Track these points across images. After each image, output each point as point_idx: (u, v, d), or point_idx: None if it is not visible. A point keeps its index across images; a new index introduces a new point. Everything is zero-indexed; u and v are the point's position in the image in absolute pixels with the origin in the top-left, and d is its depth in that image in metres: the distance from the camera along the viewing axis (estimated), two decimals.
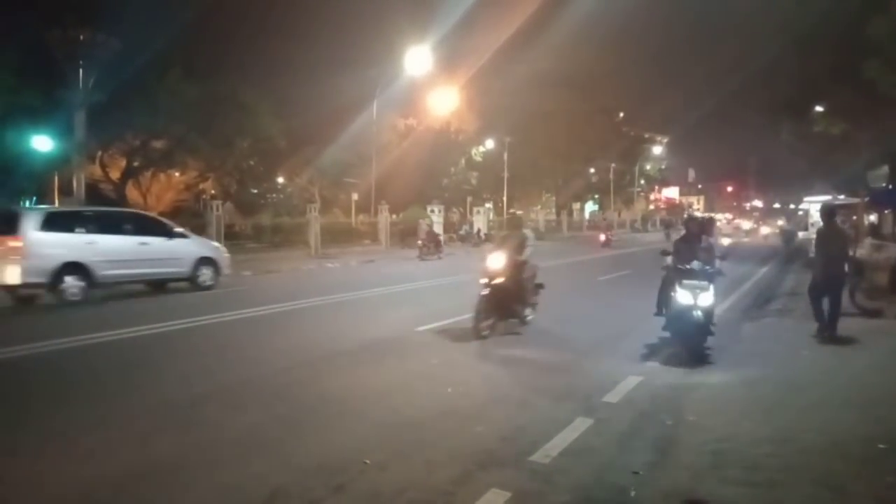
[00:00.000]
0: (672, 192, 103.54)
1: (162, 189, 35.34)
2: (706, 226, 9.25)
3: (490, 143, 49.68)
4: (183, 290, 13.80)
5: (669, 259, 8.03)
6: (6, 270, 11.41)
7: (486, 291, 8.44)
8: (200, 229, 20.13)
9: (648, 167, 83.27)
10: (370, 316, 10.98)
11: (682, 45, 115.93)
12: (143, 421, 5.19)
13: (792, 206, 57.45)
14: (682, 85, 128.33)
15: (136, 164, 29.74)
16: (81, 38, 20.84)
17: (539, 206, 61.08)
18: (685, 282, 7.30)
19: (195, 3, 26.00)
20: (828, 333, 8.42)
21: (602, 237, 33.48)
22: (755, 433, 4.79)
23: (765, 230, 46.00)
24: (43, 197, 24.61)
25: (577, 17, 43.66)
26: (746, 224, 53.83)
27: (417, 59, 33.83)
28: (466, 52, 39.98)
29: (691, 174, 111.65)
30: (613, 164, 66.06)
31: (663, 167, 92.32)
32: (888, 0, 17.83)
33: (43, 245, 11.66)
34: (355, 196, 40.96)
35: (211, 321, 10.10)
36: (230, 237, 24.83)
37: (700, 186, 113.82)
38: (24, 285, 11.58)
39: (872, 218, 20.29)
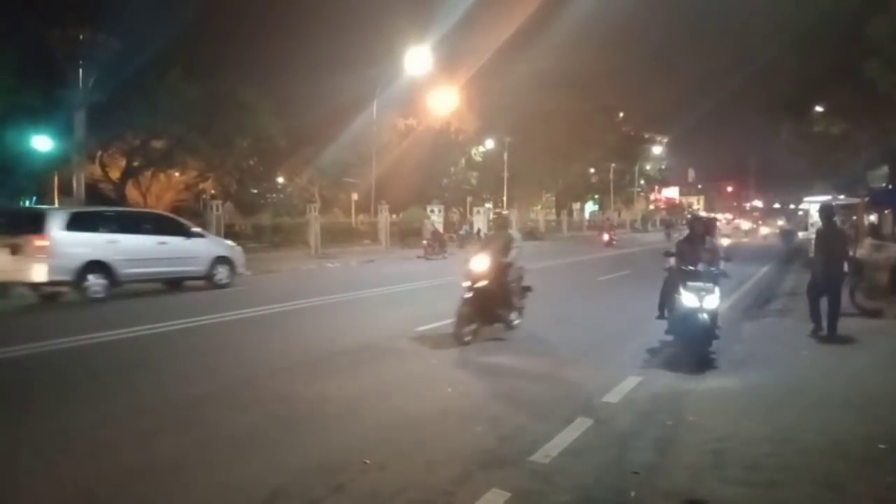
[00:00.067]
0: (672, 192, 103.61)
1: (162, 189, 35.32)
2: (710, 226, 8.99)
3: (490, 143, 49.70)
4: (196, 289, 14.05)
5: (672, 260, 7.85)
6: (33, 268, 11.71)
7: (468, 295, 8.08)
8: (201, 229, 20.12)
9: (648, 167, 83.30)
10: (370, 316, 10.98)
11: (682, 45, 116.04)
12: (145, 420, 5.19)
13: (792, 206, 57.45)
14: (682, 84, 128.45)
15: (135, 163, 29.73)
16: (81, 37, 20.83)
17: (539, 206, 61.09)
18: (690, 284, 7.09)
19: (195, 2, 26.00)
20: (827, 333, 8.43)
21: (606, 237, 33.80)
22: (755, 433, 4.79)
23: (764, 230, 46.00)
24: (43, 197, 24.62)
25: (577, 16, 43.68)
26: (746, 224, 53.79)
27: (417, 58, 33.83)
28: (466, 51, 40.02)
29: (691, 174, 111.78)
30: (613, 164, 66.07)
31: (663, 167, 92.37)
32: (888, 0, 17.84)
33: (68, 244, 11.97)
34: (355, 196, 40.97)
35: (211, 321, 10.09)
36: (230, 237, 24.65)
37: (700, 186, 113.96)
38: (49, 283, 11.89)
39: (872, 218, 20.30)
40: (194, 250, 14.11)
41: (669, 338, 7.68)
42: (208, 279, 14.22)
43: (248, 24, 41.52)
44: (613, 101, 61.28)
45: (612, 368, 6.88)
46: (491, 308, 8.33)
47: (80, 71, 21.12)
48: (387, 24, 41.68)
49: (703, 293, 6.99)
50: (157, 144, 29.33)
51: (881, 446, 4.47)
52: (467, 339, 8.00)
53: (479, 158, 50.66)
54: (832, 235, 8.72)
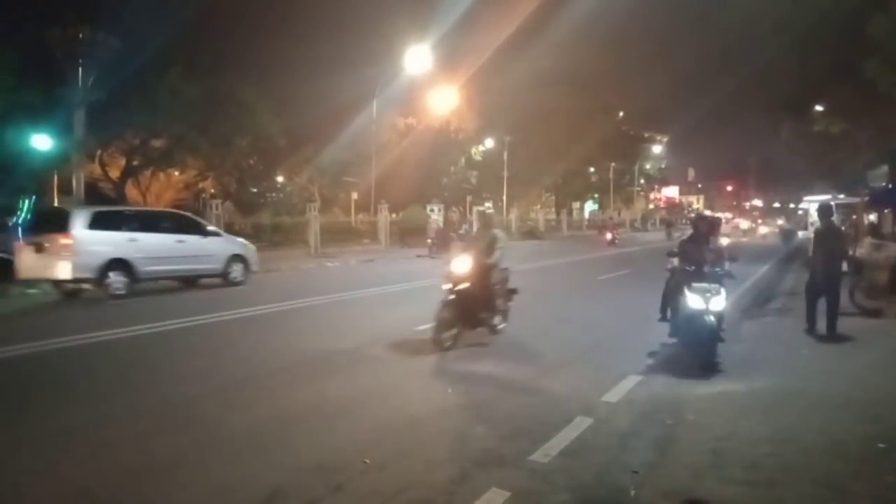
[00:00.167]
0: (672, 192, 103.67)
1: (161, 188, 35.34)
2: (715, 225, 8.59)
3: (490, 142, 49.69)
4: (210, 286, 14.34)
5: (675, 261, 7.63)
6: (58, 266, 12.12)
7: (449, 298, 7.66)
8: None
9: (648, 166, 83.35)
10: (369, 315, 10.97)
11: (682, 44, 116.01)
12: (146, 419, 5.20)
13: (792, 206, 57.51)
14: (682, 84, 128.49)
15: (135, 162, 29.72)
16: (81, 36, 20.83)
17: (539, 206, 61.11)
18: (695, 285, 6.85)
19: (195, 2, 25.99)
20: (827, 333, 8.44)
21: (609, 235, 34.44)
22: (755, 432, 4.79)
23: (763, 230, 45.96)
24: (42, 196, 24.57)
25: (577, 15, 43.71)
26: (745, 223, 53.73)
27: (417, 58, 33.82)
28: (466, 50, 40.03)
29: (691, 173, 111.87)
30: (613, 164, 66.08)
31: (663, 166, 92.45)
32: None
33: (90, 242, 12.33)
34: (355, 195, 40.96)
35: (210, 320, 10.10)
36: None
37: (700, 186, 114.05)
38: (73, 280, 12.29)
39: (872, 217, 20.31)
40: (211, 249, 14.47)
41: (671, 340, 7.58)
42: (224, 277, 14.58)
43: (247, 24, 41.54)
44: (613, 100, 61.31)
45: (611, 368, 6.87)
46: (473, 312, 7.92)
47: (80, 70, 21.11)
48: (387, 23, 41.77)
49: (708, 294, 6.75)
50: (157, 143, 29.34)
51: (881, 446, 4.47)
52: (448, 344, 7.57)
53: (478, 157, 50.66)
54: (830, 235, 8.73)
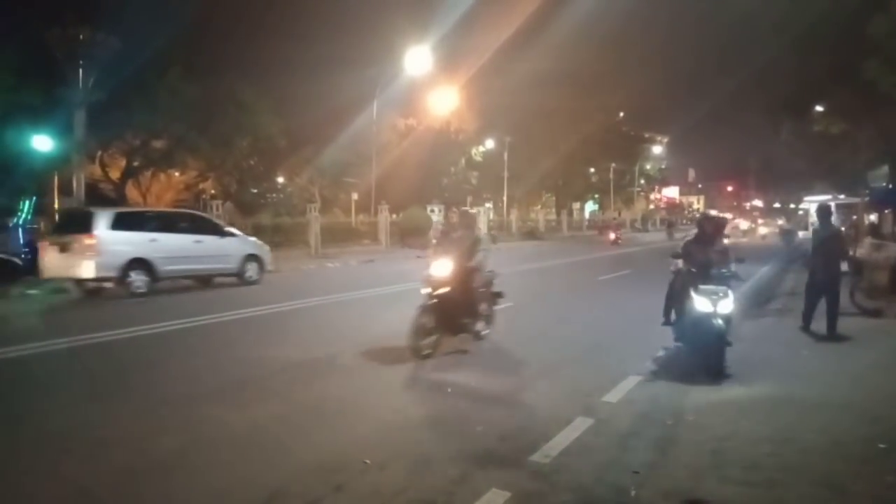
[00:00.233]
0: (672, 192, 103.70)
1: (162, 189, 35.33)
2: (721, 226, 8.19)
3: (490, 143, 49.71)
4: (225, 286, 14.68)
5: (680, 262, 7.44)
6: (82, 265, 12.54)
7: (428, 303, 7.31)
8: None
9: (648, 167, 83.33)
10: (369, 315, 10.96)
11: (682, 45, 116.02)
12: (146, 418, 5.21)
13: (792, 206, 57.47)
14: (682, 84, 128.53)
15: (135, 163, 29.72)
16: (81, 37, 20.81)
17: (539, 206, 61.13)
18: (702, 287, 6.64)
19: (195, 2, 25.98)
20: (827, 333, 8.44)
21: (612, 235, 35.29)
22: (755, 432, 4.79)
23: (763, 230, 45.89)
24: (43, 197, 24.58)
25: (577, 16, 43.69)
26: (744, 224, 53.70)
27: (417, 58, 33.80)
28: (466, 51, 40.03)
29: (691, 174, 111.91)
30: (613, 164, 66.06)
31: (663, 167, 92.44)
32: None
33: (113, 242, 12.71)
34: (355, 196, 40.95)
35: (210, 320, 10.12)
36: None
37: (700, 186, 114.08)
38: (96, 279, 12.71)
39: (872, 217, 20.32)
40: (227, 248, 14.87)
41: (672, 341, 7.51)
42: (239, 276, 14.91)
43: (247, 24, 41.50)
44: (613, 101, 61.16)
45: (612, 368, 6.87)
46: (455, 317, 7.54)
47: (80, 70, 21.09)
48: (387, 24, 41.77)
49: (716, 297, 6.53)
50: (157, 144, 29.33)
51: (881, 446, 4.47)
52: (426, 352, 7.19)
53: (479, 158, 50.69)
54: (828, 235, 8.74)
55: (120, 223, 13.02)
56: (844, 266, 8.83)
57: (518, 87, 45.98)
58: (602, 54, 55.45)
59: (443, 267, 7.46)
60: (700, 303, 6.59)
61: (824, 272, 8.57)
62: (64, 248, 12.79)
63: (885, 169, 24.26)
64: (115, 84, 22.17)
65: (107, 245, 12.56)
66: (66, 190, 23.87)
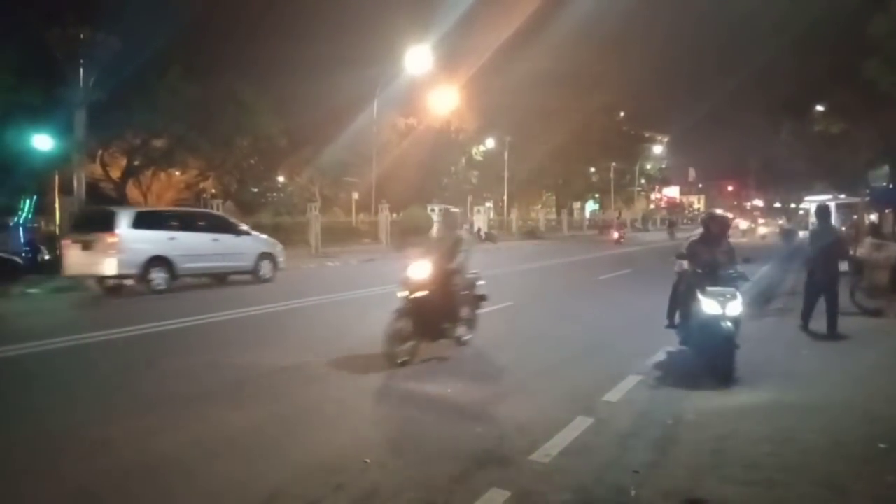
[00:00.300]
0: (672, 192, 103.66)
1: (162, 188, 35.36)
2: (726, 225, 7.80)
3: (490, 142, 49.70)
4: (240, 283, 15.02)
5: (684, 263, 7.21)
6: (104, 263, 12.90)
7: (404, 307, 6.96)
8: None
9: (649, 166, 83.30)
10: (369, 315, 10.88)
11: (682, 45, 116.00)
12: (146, 417, 5.21)
13: (793, 206, 57.46)
14: (682, 84, 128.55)
15: (136, 162, 29.76)
16: (81, 36, 20.76)
17: (539, 206, 61.14)
18: (710, 289, 6.41)
19: (195, 2, 25.99)
20: (827, 333, 8.44)
21: (615, 234, 36.04)
22: (755, 432, 4.78)
23: (762, 230, 45.84)
24: (43, 196, 24.58)
25: (577, 15, 43.70)
26: (744, 224, 53.65)
27: (417, 58, 33.81)
28: (466, 50, 40.03)
29: (692, 173, 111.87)
30: (614, 164, 66.01)
31: (664, 166, 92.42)
32: None
33: (134, 241, 13.07)
34: (356, 195, 40.99)
35: (209, 320, 10.12)
36: None
37: (700, 186, 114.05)
38: (117, 276, 13.09)
39: (873, 217, 20.31)
40: (242, 247, 15.24)
41: (675, 346, 7.40)
42: (253, 274, 15.29)
43: (247, 24, 41.42)
44: (614, 100, 61.17)
45: (612, 367, 6.86)
46: (434, 322, 7.16)
47: (81, 70, 21.04)
48: (387, 23, 41.68)
49: (724, 299, 6.31)
50: (158, 143, 29.37)
51: (882, 446, 4.46)
52: (403, 359, 6.83)
53: (479, 157, 50.68)
54: (827, 235, 8.75)
55: (141, 222, 13.37)
56: (844, 266, 8.82)
57: (518, 86, 46.00)
58: (602, 54, 55.35)
59: (420, 269, 7.08)
60: (708, 305, 6.37)
61: (823, 272, 8.57)
62: (86, 246, 13.08)
63: (885, 169, 24.25)
64: (115, 84, 22.17)
65: (128, 243, 12.89)
66: (66, 189, 23.85)
